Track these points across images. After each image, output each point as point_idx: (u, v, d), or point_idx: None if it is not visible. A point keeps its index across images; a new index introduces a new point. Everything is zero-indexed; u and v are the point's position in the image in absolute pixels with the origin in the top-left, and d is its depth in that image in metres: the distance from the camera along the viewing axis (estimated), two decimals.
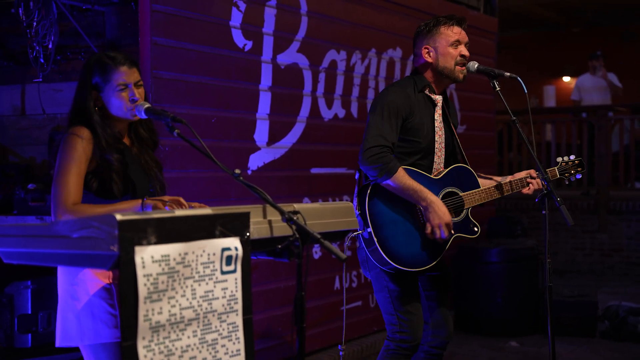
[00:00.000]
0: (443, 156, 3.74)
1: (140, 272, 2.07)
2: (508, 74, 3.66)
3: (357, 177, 3.73)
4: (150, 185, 2.98)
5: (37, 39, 4.55)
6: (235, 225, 2.34)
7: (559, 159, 3.97)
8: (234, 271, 2.34)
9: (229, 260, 2.31)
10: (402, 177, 3.51)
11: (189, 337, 2.20)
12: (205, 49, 4.68)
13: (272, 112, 5.16)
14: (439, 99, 3.75)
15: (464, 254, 6.94)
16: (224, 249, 2.30)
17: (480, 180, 3.78)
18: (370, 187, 3.57)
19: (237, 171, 2.59)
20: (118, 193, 2.85)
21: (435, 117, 3.71)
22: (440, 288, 3.81)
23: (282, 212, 2.49)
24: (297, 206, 2.66)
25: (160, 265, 2.11)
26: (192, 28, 4.59)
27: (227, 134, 4.85)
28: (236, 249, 2.33)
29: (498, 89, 3.68)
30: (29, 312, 4.34)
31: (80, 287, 2.75)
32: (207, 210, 2.31)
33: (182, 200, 2.83)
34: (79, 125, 2.86)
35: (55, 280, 2.89)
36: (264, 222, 2.55)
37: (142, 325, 2.07)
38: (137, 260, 2.06)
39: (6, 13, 4.80)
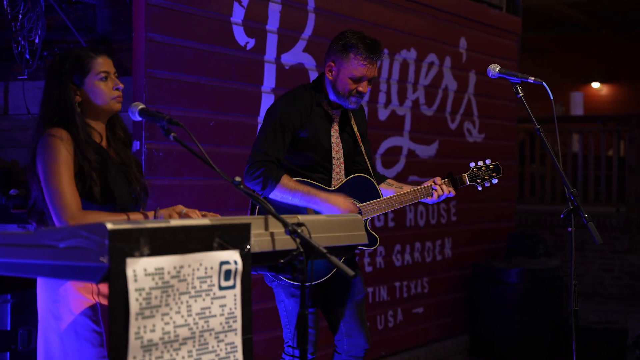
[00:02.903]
0: (342, 171, 3.89)
1: (131, 286, 2.08)
2: (532, 78, 3.67)
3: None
4: (131, 189, 3.01)
5: (22, 33, 4.57)
6: (234, 237, 2.35)
7: (472, 164, 4.09)
8: (233, 287, 2.35)
9: (227, 274, 2.33)
10: (286, 183, 3.66)
11: (183, 357, 2.21)
12: (204, 47, 4.71)
13: None
14: (335, 114, 3.88)
15: (479, 273, 6.94)
16: (222, 263, 2.31)
17: (384, 189, 3.94)
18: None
19: (238, 179, 2.61)
20: (98, 195, 2.88)
21: (332, 133, 3.86)
22: (349, 291, 3.92)
23: (285, 224, 2.50)
24: (301, 218, 2.68)
25: (153, 279, 2.13)
26: (190, 24, 4.62)
27: (226, 138, 4.87)
28: (235, 262, 2.34)
29: (521, 94, 3.69)
30: (8, 328, 4.34)
31: (62, 305, 2.77)
32: (204, 221, 2.32)
33: (197, 212, 2.89)
34: (54, 127, 2.90)
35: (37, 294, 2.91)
36: (265, 234, 2.56)
37: (133, 343, 2.09)
38: (129, 273, 2.08)
39: None
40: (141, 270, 2.10)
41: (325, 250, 2.49)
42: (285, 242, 2.58)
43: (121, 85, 3.02)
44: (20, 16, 4.55)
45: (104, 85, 2.98)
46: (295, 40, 5.35)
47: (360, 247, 3.73)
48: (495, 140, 7.60)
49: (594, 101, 15.57)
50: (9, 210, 4.60)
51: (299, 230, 2.50)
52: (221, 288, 2.32)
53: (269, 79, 5.15)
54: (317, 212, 3.73)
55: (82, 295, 2.75)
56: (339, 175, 3.87)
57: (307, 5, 5.43)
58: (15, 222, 4.54)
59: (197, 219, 2.48)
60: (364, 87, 3.76)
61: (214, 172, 2.64)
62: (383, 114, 6.22)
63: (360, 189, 3.86)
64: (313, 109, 3.82)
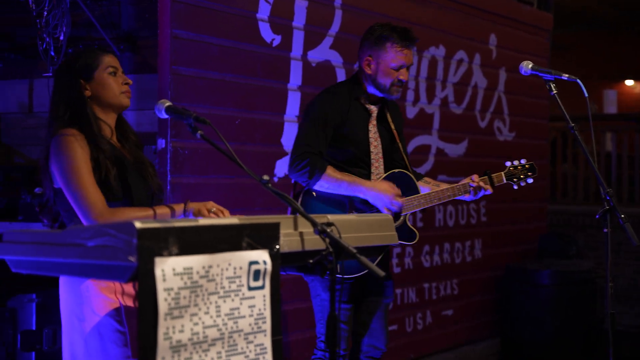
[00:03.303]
0: (382, 166, 4.01)
1: (160, 286, 2.09)
2: (567, 75, 3.65)
3: (293, 181, 4.00)
4: (146, 187, 3.04)
5: (47, 30, 4.61)
6: (263, 237, 2.36)
7: (508, 163, 4.16)
8: (262, 287, 2.35)
9: (256, 275, 2.33)
10: (332, 173, 3.79)
11: (212, 358, 2.21)
12: (230, 44, 4.72)
13: (301, 114, 5.18)
14: (373, 109, 4.03)
15: (511, 275, 6.90)
16: (251, 263, 2.31)
17: (421, 186, 4.06)
18: (302, 194, 3.85)
19: (266, 177, 2.61)
20: (115, 186, 2.90)
21: (370, 128, 3.99)
22: (382, 293, 4.03)
23: (314, 224, 2.50)
24: (330, 217, 2.68)
25: (182, 278, 2.14)
26: (216, 20, 4.64)
27: (252, 137, 4.88)
28: (265, 262, 2.34)
29: (555, 92, 3.67)
30: (34, 328, 4.39)
31: (85, 306, 2.79)
32: (233, 220, 2.33)
33: (227, 212, 2.94)
34: (66, 127, 2.93)
35: None
36: (294, 234, 2.57)
37: (162, 344, 2.10)
38: (157, 272, 2.09)
39: (14, 2, 4.86)
40: (170, 269, 2.11)
41: (355, 251, 2.49)
42: (314, 242, 2.58)
43: (129, 81, 3.07)
44: (46, 13, 4.59)
45: (113, 80, 3.02)
46: (322, 37, 5.35)
47: (400, 243, 3.85)
48: (527, 138, 7.56)
49: (628, 99, 15.43)
50: (35, 208, 4.64)
51: (329, 230, 2.50)
52: (250, 288, 2.32)
53: (295, 76, 5.15)
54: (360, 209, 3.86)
55: (105, 295, 2.77)
56: (378, 170, 3.99)
57: (334, 2, 5.43)
58: (41, 220, 4.57)
59: (226, 218, 2.49)
60: (404, 74, 3.95)
61: (240, 170, 2.64)
62: (411, 112, 6.20)
63: (400, 184, 3.94)
64: (351, 104, 3.96)
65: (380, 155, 4.01)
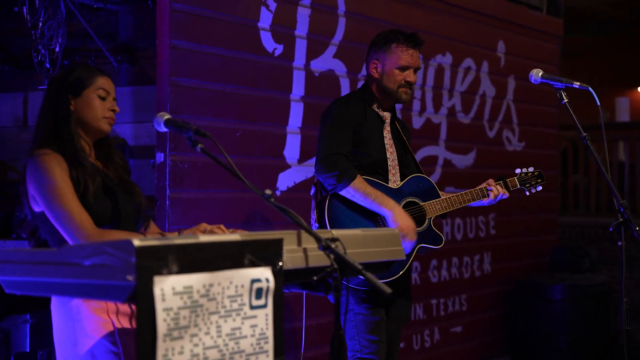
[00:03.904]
0: (398, 174, 4.06)
1: (159, 306, 2.08)
2: (578, 83, 3.65)
3: (312, 192, 4.03)
4: (134, 204, 3.03)
5: (42, 41, 4.62)
6: (266, 254, 2.34)
7: (518, 170, 4.32)
8: (265, 306, 2.34)
9: (259, 293, 2.32)
10: (360, 183, 3.83)
11: None
12: (230, 54, 4.72)
13: (304, 126, 5.19)
14: (387, 115, 4.09)
15: (522, 289, 6.88)
16: (253, 281, 2.30)
17: (440, 192, 4.13)
18: (328, 197, 3.87)
19: (268, 192, 2.60)
20: (101, 209, 2.89)
21: (384, 134, 4.05)
22: (404, 309, 4.10)
23: (318, 239, 2.49)
24: (335, 232, 2.67)
25: (182, 298, 2.12)
26: (216, 30, 4.64)
27: (253, 149, 4.88)
28: (267, 280, 2.33)
29: (566, 100, 3.67)
30: (27, 349, 4.38)
31: (77, 328, 2.79)
32: (235, 236, 2.32)
33: (223, 227, 2.95)
34: (43, 147, 2.92)
35: None
36: (298, 250, 2.55)
37: None
38: (157, 291, 2.07)
39: (9, 12, 4.88)
40: (169, 288, 2.10)
41: (360, 267, 2.47)
42: (319, 258, 2.56)
43: (116, 109, 3.07)
44: (41, 24, 4.60)
45: (100, 103, 3.02)
46: (325, 46, 5.36)
47: (426, 247, 3.97)
48: (536, 148, 7.55)
49: None
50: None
51: (333, 246, 2.49)
52: (252, 307, 2.31)
53: (298, 87, 5.15)
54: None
55: (97, 315, 2.76)
56: (395, 177, 4.05)
57: (338, 9, 5.44)
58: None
59: (227, 235, 2.48)
60: (411, 76, 4.01)
61: (240, 184, 2.63)
62: (417, 122, 6.20)
63: (422, 188, 4.06)
64: (367, 109, 4.02)
65: (396, 162, 4.06)
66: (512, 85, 7.22)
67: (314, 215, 3.95)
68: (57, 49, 4.63)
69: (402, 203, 3.97)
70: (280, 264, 2.38)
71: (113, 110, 3.05)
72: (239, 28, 4.77)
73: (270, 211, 4.82)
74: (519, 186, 4.24)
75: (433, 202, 4.04)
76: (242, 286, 2.28)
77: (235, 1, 4.75)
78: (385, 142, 4.04)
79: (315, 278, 2.55)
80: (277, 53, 5.01)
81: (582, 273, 7.23)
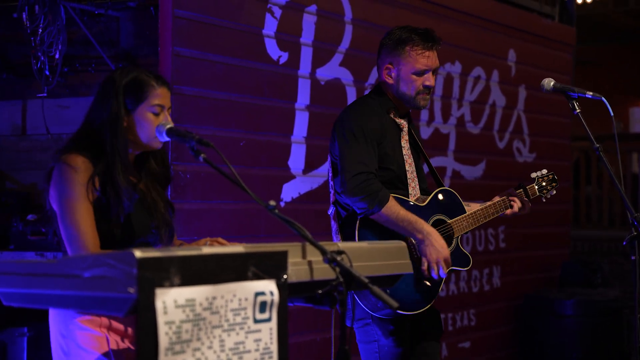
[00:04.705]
0: (418, 187, 3.83)
1: (161, 319, 2.08)
2: (591, 93, 3.65)
3: (330, 212, 3.79)
4: (153, 225, 2.99)
5: (42, 48, 4.64)
6: (270, 266, 2.35)
7: (534, 175, 4.10)
8: (269, 320, 2.34)
9: (263, 306, 2.32)
10: (394, 206, 3.59)
11: None
12: (234, 62, 4.74)
13: (309, 135, 5.20)
14: (404, 123, 3.84)
15: (531, 305, 6.87)
16: (257, 294, 2.31)
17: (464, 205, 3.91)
18: (359, 221, 3.63)
19: (272, 203, 2.60)
20: (119, 236, 2.88)
21: (402, 144, 3.80)
22: (436, 337, 3.87)
23: (324, 252, 2.49)
24: (341, 245, 2.67)
25: (184, 311, 2.13)
26: (220, 37, 4.66)
27: (257, 159, 4.89)
28: (272, 293, 2.34)
29: (578, 110, 3.67)
30: None
31: (70, 340, 2.79)
32: (238, 248, 2.32)
33: (222, 240, 2.94)
34: (72, 153, 2.86)
35: None
36: (303, 262, 2.56)
37: None
38: (158, 304, 2.08)
39: (7, 18, 4.90)
40: (171, 301, 2.10)
41: (367, 280, 2.48)
42: (324, 272, 2.57)
43: (171, 124, 2.94)
44: (40, 30, 4.62)
45: (154, 120, 2.92)
46: (332, 54, 5.37)
47: (454, 269, 3.73)
48: (548, 160, 7.54)
49: None
50: (27, 236, 4.65)
51: (339, 259, 2.49)
52: (256, 321, 2.31)
53: (304, 95, 5.16)
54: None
55: (90, 328, 2.77)
56: (415, 191, 3.81)
57: (344, 16, 5.45)
58: (33, 249, 4.58)
59: (231, 247, 2.48)
60: (429, 79, 3.73)
61: (245, 195, 2.64)
62: (425, 133, 6.21)
63: (449, 204, 3.83)
64: (384, 118, 3.76)
65: (415, 174, 3.82)
66: (523, 95, 7.22)
67: (337, 239, 3.73)
68: (57, 56, 4.64)
69: (430, 222, 3.72)
70: (285, 276, 2.39)
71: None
72: (243, 35, 4.78)
73: (274, 223, 4.83)
74: (538, 194, 4.05)
75: (460, 219, 3.81)
76: (246, 299, 2.28)
77: (239, 8, 4.76)
78: (404, 152, 3.80)
79: (320, 291, 2.55)
80: (282, 61, 5.02)
81: (594, 288, 7.22)
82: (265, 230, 4.87)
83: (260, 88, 4.90)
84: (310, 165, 5.22)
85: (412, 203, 3.72)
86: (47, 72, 4.66)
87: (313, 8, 5.21)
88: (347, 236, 3.66)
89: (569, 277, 7.43)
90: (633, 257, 3.44)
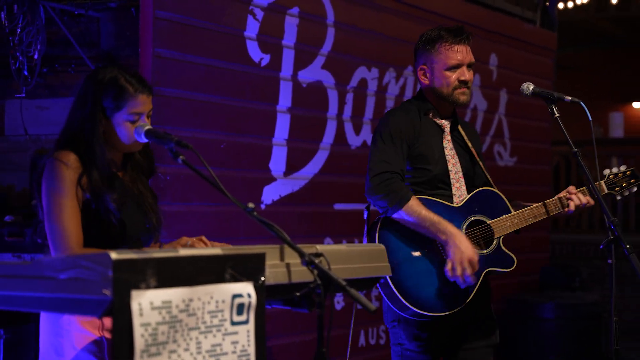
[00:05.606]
0: (464, 187, 3.75)
1: (137, 321, 2.07)
2: (569, 98, 3.66)
3: (365, 216, 3.79)
4: (146, 220, 3.01)
5: (20, 48, 4.62)
6: (248, 269, 2.34)
7: (607, 171, 3.97)
8: (246, 322, 2.33)
9: (240, 309, 2.32)
10: (416, 206, 3.55)
11: None
12: (216, 63, 4.73)
13: (290, 138, 5.19)
14: (445, 123, 3.80)
15: (511, 308, 6.89)
16: (234, 296, 2.30)
17: (513, 206, 3.80)
18: (380, 221, 3.61)
19: (251, 205, 2.60)
20: (112, 234, 2.88)
21: (444, 144, 3.76)
22: (481, 341, 3.77)
23: (302, 254, 2.49)
24: (319, 248, 2.67)
25: (160, 313, 2.12)
26: (201, 39, 4.65)
27: (239, 162, 4.88)
28: (249, 295, 2.33)
29: (557, 115, 3.68)
30: None
31: (65, 340, 2.78)
32: (216, 250, 2.32)
33: (204, 239, 2.94)
34: (65, 150, 2.89)
35: (33, 329, 2.92)
36: (281, 265, 2.55)
37: None
38: (134, 306, 2.07)
39: None
40: (147, 303, 2.09)
41: (344, 283, 2.47)
42: (301, 274, 2.56)
43: (149, 126, 2.95)
44: (19, 30, 4.60)
45: (130, 127, 2.94)
46: (314, 56, 5.37)
47: (497, 271, 3.68)
48: (528, 164, 7.57)
49: (635, 122, 15.51)
50: (4, 238, 4.62)
51: (317, 261, 2.49)
52: (233, 323, 2.31)
53: (285, 98, 5.16)
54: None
55: (87, 329, 2.76)
56: (459, 191, 3.74)
57: (327, 19, 5.45)
58: (10, 250, 4.55)
59: (208, 249, 2.48)
60: (464, 74, 3.71)
61: (224, 197, 2.63)
62: None
63: (488, 204, 3.75)
64: (422, 119, 3.75)
65: (461, 174, 3.75)
66: (504, 99, 7.25)
67: (365, 241, 3.71)
68: (35, 56, 4.62)
69: (466, 222, 3.66)
70: (263, 279, 2.38)
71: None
72: (225, 37, 4.78)
73: (254, 225, 4.82)
74: (606, 191, 3.86)
75: (502, 219, 3.71)
76: (223, 301, 2.28)
77: (221, 9, 4.75)
78: (446, 152, 3.74)
79: (298, 294, 2.55)
80: (263, 63, 5.02)
81: (573, 291, 7.26)
82: (244, 232, 4.86)
83: (241, 90, 4.89)
84: (292, 167, 5.21)
85: (444, 204, 3.67)
86: (26, 73, 4.64)
87: (295, 10, 5.21)
88: (371, 237, 3.65)
89: (548, 280, 7.47)
90: (610, 261, 3.45)
